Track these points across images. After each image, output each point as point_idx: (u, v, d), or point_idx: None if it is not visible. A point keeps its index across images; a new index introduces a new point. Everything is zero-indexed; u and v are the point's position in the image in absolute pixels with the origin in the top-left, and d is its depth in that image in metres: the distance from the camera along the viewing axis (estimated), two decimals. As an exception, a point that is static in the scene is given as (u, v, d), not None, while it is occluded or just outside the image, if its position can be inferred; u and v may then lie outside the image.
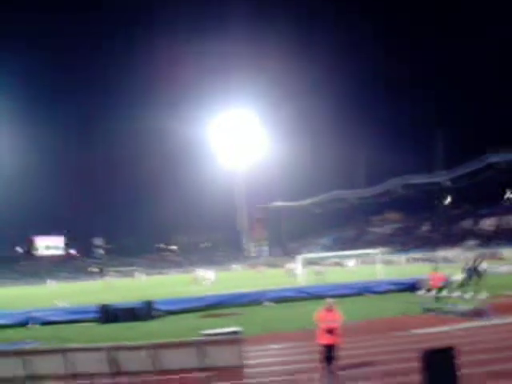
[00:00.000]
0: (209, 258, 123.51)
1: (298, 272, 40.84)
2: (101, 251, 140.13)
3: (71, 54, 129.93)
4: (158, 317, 22.51)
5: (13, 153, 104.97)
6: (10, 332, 20.46)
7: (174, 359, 11.89)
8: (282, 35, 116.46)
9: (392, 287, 27.47)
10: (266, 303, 25.20)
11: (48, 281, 65.96)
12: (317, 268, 42.04)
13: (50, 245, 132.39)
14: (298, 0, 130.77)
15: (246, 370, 11.40)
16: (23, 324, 22.06)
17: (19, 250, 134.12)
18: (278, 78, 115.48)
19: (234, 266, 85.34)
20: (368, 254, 58.82)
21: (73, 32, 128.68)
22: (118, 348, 12.31)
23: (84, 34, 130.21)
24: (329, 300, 10.95)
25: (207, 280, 47.26)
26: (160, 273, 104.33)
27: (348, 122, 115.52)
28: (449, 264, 54.58)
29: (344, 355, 10.94)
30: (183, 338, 14.33)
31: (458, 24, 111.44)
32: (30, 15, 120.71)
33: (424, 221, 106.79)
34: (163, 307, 23.59)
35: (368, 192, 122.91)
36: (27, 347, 14.28)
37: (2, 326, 21.67)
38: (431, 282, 22.17)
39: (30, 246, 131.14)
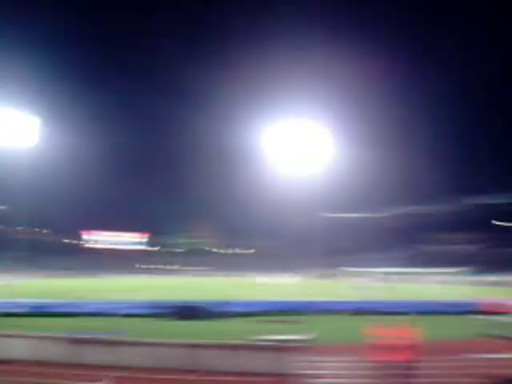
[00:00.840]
0: (258, 265, 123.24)
1: (367, 285, 40.26)
2: (179, 250, 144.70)
3: (139, 53, 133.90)
4: (230, 317, 23.37)
5: (99, 151, 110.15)
6: (97, 321, 21.99)
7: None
8: (349, 41, 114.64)
9: (452, 309, 26.81)
10: (340, 314, 25.35)
11: (133, 275, 68.97)
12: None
13: (134, 240, 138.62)
14: (368, 7, 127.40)
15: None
16: (108, 314, 23.67)
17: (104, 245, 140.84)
18: (347, 87, 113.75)
19: (288, 274, 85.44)
20: (427, 272, 56.45)
21: (143, 33, 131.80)
22: (198, 345, 13.09)
23: (154, 36, 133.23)
24: (403, 317, 10.87)
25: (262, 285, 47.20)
26: (235, 275, 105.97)
27: (418, 133, 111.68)
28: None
29: (418, 374, 10.82)
30: (253, 340, 14.57)
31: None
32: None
33: (492, 241, 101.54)
34: (237, 308, 24.52)
35: (433, 209, 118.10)
36: (116, 337, 15.15)
37: (90, 315, 23.41)
38: (494, 306, 21.42)
39: (114, 241, 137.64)
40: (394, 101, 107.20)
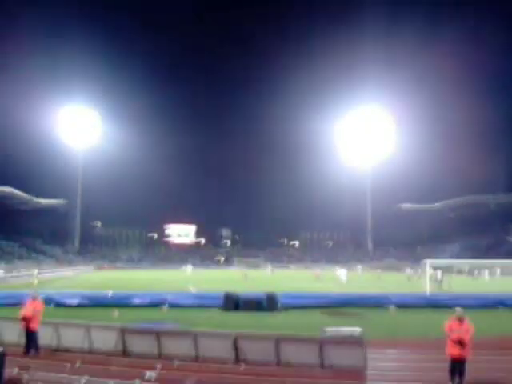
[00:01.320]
0: (332, 257, 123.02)
1: (418, 278, 39.06)
2: (227, 242, 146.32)
3: (213, 51, 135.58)
4: (281, 310, 23.02)
5: (149, 144, 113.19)
6: (145, 312, 22.24)
7: (296, 354, 12.13)
8: (417, 28, 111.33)
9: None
10: (391, 307, 24.54)
11: (183, 267, 70.14)
12: (439, 275, 39.71)
13: (181, 233, 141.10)
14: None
15: (368, 372, 11.27)
16: (157, 305, 23.90)
17: (154, 236, 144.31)
18: (413, 73, 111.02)
19: (358, 266, 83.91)
20: (504, 264, 54.68)
21: (214, 31, 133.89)
22: (243, 336, 12.84)
23: (227, 33, 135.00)
24: (459, 310, 10.50)
25: (340, 278, 47.27)
26: (283, 267, 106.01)
27: (488, 119, 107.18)
28: None
29: (472, 369, 10.40)
30: (305, 333, 14.49)
31: None
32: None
33: None
34: (286, 301, 24.07)
35: (509, 197, 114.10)
36: (164, 328, 15.28)
37: (140, 306, 23.73)
38: None
39: (163, 233, 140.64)
40: (463, 89, 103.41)
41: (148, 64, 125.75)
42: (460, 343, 9.93)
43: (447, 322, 10.35)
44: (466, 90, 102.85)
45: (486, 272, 57.73)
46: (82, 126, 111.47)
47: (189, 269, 66.75)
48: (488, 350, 13.58)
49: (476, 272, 62.88)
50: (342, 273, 48.92)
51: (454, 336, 10.01)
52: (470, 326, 10.15)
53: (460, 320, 10.20)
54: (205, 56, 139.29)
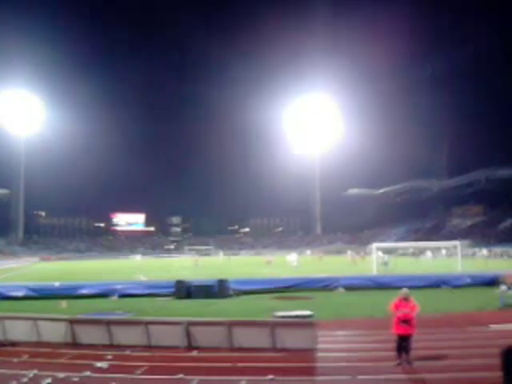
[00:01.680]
0: (282, 242, 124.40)
1: (371, 261, 40.26)
2: (177, 229, 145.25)
3: (163, 38, 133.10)
4: (232, 296, 23.14)
5: (95, 132, 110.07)
6: (94, 302, 21.82)
7: (248, 338, 12.25)
8: (360, 17, 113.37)
9: (470, 281, 26.46)
10: (339, 289, 25.14)
11: (132, 256, 69.07)
12: (386, 258, 41.20)
13: (130, 221, 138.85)
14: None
15: (319, 354, 11.52)
16: (106, 295, 23.49)
17: (101, 225, 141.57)
18: (357, 62, 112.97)
19: (308, 251, 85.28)
20: (446, 246, 57.05)
21: (158, 10, 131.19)
22: (194, 323, 12.84)
23: (177, 20, 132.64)
24: (405, 290, 10.89)
25: (291, 263, 47.97)
26: (235, 254, 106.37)
27: (430, 107, 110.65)
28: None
29: (418, 347, 10.84)
30: (256, 318, 14.70)
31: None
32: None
33: (509, 215, 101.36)
34: (237, 287, 24.20)
35: (450, 183, 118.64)
36: (115, 317, 15.14)
37: (89, 296, 23.24)
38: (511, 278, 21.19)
39: (111, 222, 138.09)
40: (406, 78, 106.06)
41: (96, 49, 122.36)
42: (406, 321, 10.30)
43: (394, 302, 10.71)
44: (409, 79, 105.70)
45: (429, 253, 59.90)
46: (23, 112, 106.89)
47: (138, 257, 65.76)
48: (432, 327, 14.18)
49: (421, 254, 65.17)
50: (292, 257, 49.66)
51: (400, 314, 10.38)
52: (415, 305, 10.54)
53: (406, 299, 10.57)
54: (154, 43, 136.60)
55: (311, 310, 15.33)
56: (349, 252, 61.76)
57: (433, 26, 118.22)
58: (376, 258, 37.44)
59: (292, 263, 47.67)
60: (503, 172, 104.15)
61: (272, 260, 55.13)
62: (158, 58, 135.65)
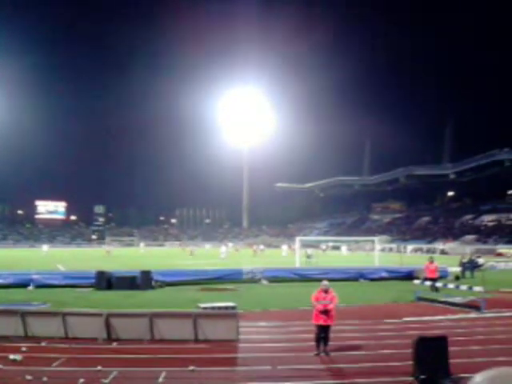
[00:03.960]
0: (208, 234, 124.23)
1: (295, 254, 41.25)
2: (101, 219, 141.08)
3: (82, 24, 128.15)
4: (156, 287, 22.81)
5: (19, 118, 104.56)
6: (11, 293, 20.75)
7: (170, 330, 12.13)
8: (290, 13, 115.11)
9: (387, 275, 27.69)
10: (263, 281, 25.49)
11: (44, 246, 65.93)
12: (309, 251, 42.55)
13: (50, 209, 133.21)
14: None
15: (240, 345, 11.62)
16: (23, 285, 22.42)
17: (21, 212, 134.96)
18: (289, 61, 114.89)
19: (230, 244, 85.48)
20: (365, 240, 59.41)
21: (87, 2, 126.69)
22: (114, 315, 12.54)
23: (97, 7, 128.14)
24: (325, 282, 11.23)
25: (220, 254, 48.39)
26: (159, 244, 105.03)
27: (356, 107, 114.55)
28: (446, 256, 55.05)
29: (336, 338, 11.20)
30: (180, 309, 14.60)
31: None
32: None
33: (425, 212, 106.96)
34: (161, 278, 23.88)
35: (372, 180, 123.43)
36: (31, 308, 14.51)
37: (4, 287, 22.06)
38: (427, 273, 22.38)
39: (31, 210, 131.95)
40: (331, 72, 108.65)
41: (20, 23, 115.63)
42: (325, 312, 10.63)
43: (314, 294, 11.00)
44: (334, 79, 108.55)
45: (344, 247, 62.20)
46: None
47: (44, 248, 62.67)
48: (350, 319, 14.70)
49: (341, 248, 67.30)
50: (221, 249, 50.31)
51: (320, 306, 10.69)
52: (334, 297, 10.89)
53: (325, 291, 10.89)
54: (79, 29, 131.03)
55: (235, 302, 15.43)
56: (254, 246, 62.72)
57: (361, 28, 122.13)
58: (299, 251, 38.32)
59: (221, 255, 48.13)
60: (421, 171, 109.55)
61: (195, 251, 55.44)
62: (83, 44, 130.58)
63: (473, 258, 32.63)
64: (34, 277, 23.11)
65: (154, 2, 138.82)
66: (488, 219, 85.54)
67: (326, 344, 10.69)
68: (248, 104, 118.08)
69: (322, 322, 10.67)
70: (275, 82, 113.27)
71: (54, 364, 9.93)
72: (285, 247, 61.19)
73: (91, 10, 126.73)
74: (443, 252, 66.78)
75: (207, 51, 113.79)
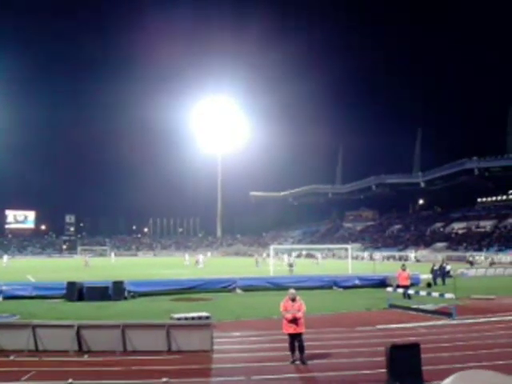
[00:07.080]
0: (181, 243, 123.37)
1: (270, 262, 41.34)
2: (71, 229, 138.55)
3: (53, 33, 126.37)
4: (129, 298, 22.50)
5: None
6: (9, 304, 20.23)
7: (143, 341, 11.96)
8: (264, 22, 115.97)
9: (360, 282, 27.88)
10: (238, 291, 25.39)
11: (5, 256, 63.74)
12: (291, 260, 42.89)
13: (20, 218, 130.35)
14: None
15: (215, 355, 11.52)
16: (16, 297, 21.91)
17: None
18: (262, 67, 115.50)
19: (202, 253, 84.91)
20: (338, 248, 59.92)
21: (62, 9, 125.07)
22: (85, 326, 12.31)
23: (71, 13, 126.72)
24: (292, 290, 11.29)
25: (197, 264, 48.37)
26: (131, 254, 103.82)
27: (330, 116, 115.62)
28: (417, 264, 55.82)
29: (309, 346, 11.21)
30: (153, 320, 14.42)
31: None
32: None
33: (397, 220, 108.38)
34: (134, 288, 23.55)
35: (345, 188, 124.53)
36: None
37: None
38: (399, 280, 22.63)
39: (0, 219, 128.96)
40: (309, 89, 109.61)
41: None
42: (293, 321, 10.65)
43: (282, 303, 11.03)
44: (310, 88, 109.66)
45: (319, 255, 62.61)
46: None
47: (4, 258, 60.66)
48: (323, 327, 14.75)
49: (315, 255, 67.68)
50: (199, 258, 50.46)
51: (288, 316, 10.71)
52: (302, 304, 10.92)
53: (293, 300, 10.92)
54: (49, 34, 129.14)
55: (209, 312, 15.33)
56: (200, 256, 62.54)
57: (335, 38, 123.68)
58: (274, 260, 38.43)
59: (198, 265, 48.06)
60: (392, 180, 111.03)
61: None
62: (53, 54, 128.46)
63: (444, 264, 33.16)
64: (3, 288, 22.53)
65: (126, 12, 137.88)
66: (458, 227, 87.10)
67: (302, 353, 10.69)
68: (222, 113, 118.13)
69: (292, 331, 10.72)
70: (249, 90, 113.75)
71: (24, 378, 9.68)
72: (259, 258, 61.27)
73: (62, 18, 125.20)
74: (415, 259, 67.80)
75: (180, 60, 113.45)
